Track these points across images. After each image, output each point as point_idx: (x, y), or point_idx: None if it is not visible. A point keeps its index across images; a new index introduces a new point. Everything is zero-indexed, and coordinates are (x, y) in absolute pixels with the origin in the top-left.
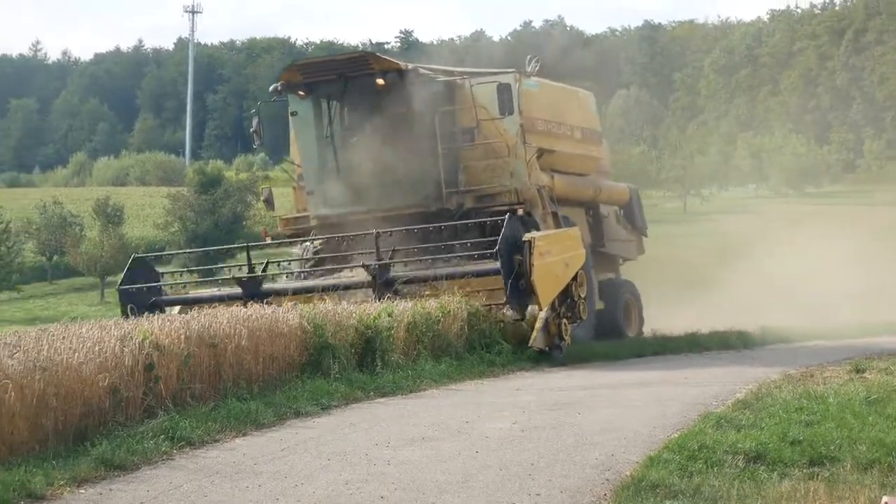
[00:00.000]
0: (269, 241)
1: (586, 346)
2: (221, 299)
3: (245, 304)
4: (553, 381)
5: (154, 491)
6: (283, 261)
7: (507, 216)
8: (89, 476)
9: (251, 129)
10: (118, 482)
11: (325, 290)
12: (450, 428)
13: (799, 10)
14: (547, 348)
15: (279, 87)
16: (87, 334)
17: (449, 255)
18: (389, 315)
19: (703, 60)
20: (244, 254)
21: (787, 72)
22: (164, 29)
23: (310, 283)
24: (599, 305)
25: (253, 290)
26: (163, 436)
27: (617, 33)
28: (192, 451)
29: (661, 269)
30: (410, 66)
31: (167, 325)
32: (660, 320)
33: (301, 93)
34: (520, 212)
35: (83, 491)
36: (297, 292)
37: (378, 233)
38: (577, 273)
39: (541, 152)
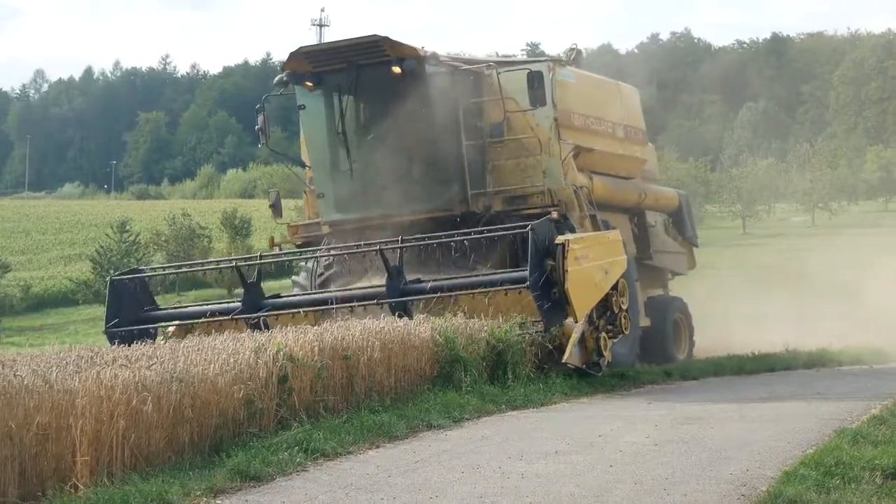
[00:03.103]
0: (276, 250)
1: (714, 361)
2: (219, 313)
3: (247, 324)
4: (684, 394)
5: (290, 502)
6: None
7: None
8: (225, 487)
9: (256, 127)
10: (254, 493)
11: (335, 302)
12: (583, 441)
13: None
14: (583, 366)
15: (284, 78)
16: (222, 346)
17: (473, 263)
18: (521, 328)
19: (832, 73)
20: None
21: None
22: (293, 42)
23: (316, 295)
24: (645, 323)
25: (254, 304)
26: (297, 447)
27: (744, 46)
28: (327, 462)
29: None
30: (430, 51)
31: (301, 338)
32: (790, 335)
33: (309, 84)
34: (554, 215)
35: (219, 502)
36: (301, 305)
37: (382, 248)
38: (617, 281)
39: (578, 150)
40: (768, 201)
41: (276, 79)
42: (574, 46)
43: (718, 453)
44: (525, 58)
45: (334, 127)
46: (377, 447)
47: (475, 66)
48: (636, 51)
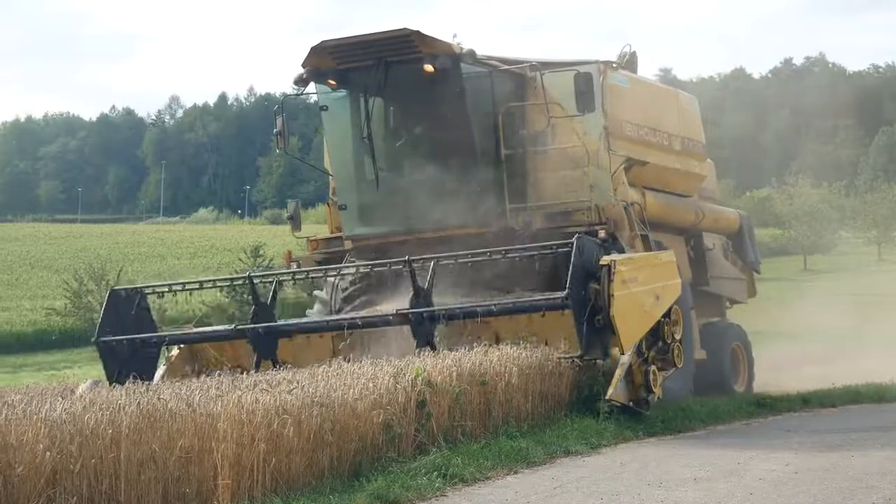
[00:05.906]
0: (294, 266)
1: (853, 389)
2: (227, 337)
3: (254, 349)
4: (822, 422)
5: None
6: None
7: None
8: None
9: (274, 131)
10: None
11: (352, 326)
12: (722, 469)
13: None
14: (629, 403)
15: (304, 76)
16: (360, 371)
17: (508, 286)
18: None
19: None
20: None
21: None
22: None
23: (332, 318)
24: (700, 355)
25: (266, 328)
26: (436, 472)
27: (880, 70)
28: (465, 488)
29: None
30: (466, 49)
31: (439, 363)
32: None
33: (332, 82)
34: (601, 234)
35: None
36: (315, 329)
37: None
38: (670, 308)
39: (630, 163)
40: None
41: (296, 76)
42: (628, 48)
43: (860, 482)
44: (572, 59)
45: (359, 131)
46: (515, 473)
47: (516, 67)
48: (770, 75)
